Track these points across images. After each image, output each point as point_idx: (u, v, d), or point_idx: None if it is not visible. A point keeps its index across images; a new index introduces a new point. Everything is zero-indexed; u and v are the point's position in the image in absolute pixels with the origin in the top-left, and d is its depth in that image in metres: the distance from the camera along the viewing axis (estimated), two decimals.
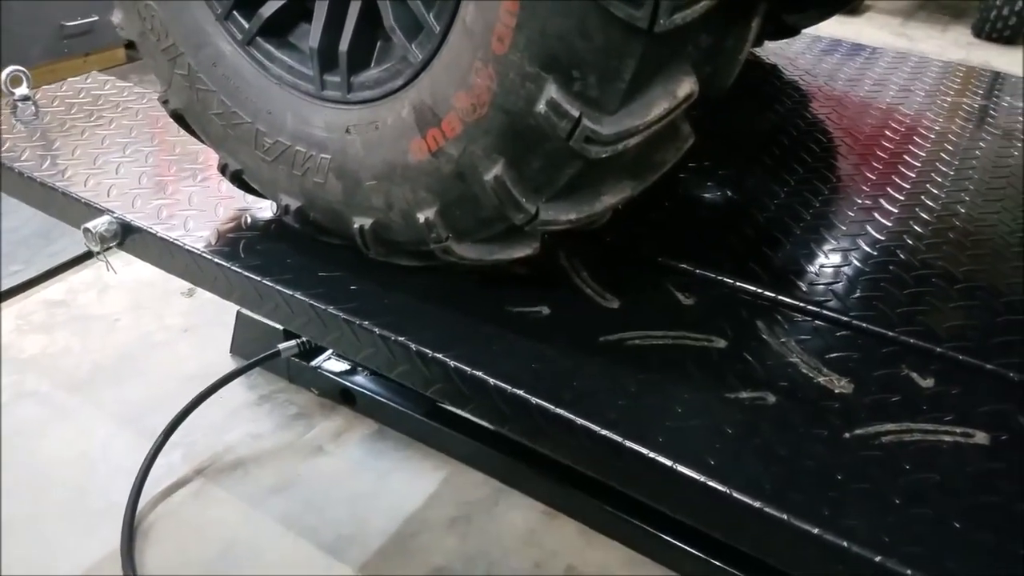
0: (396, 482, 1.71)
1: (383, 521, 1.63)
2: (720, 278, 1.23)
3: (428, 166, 1.03)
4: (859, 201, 1.46)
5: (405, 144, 1.04)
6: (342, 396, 1.89)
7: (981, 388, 1.04)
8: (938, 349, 1.09)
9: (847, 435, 0.94)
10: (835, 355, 1.08)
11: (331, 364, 1.91)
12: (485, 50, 0.92)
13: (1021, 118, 1.83)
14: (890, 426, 0.96)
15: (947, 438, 0.95)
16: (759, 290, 1.20)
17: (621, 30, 0.82)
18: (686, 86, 0.89)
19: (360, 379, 1.88)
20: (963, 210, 1.45)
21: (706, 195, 1.48)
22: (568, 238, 1.10)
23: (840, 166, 1.60)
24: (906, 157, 1.62)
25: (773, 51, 2.12)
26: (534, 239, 1.06)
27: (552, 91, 0.88)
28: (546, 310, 1.15)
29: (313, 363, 1.91)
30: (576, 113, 0.88)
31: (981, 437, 0.96)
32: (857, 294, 1.20)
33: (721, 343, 1.10)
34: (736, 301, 1.19)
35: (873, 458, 0.91)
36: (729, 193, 1.49)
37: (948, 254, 1.32)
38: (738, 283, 1.22)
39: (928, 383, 1.04)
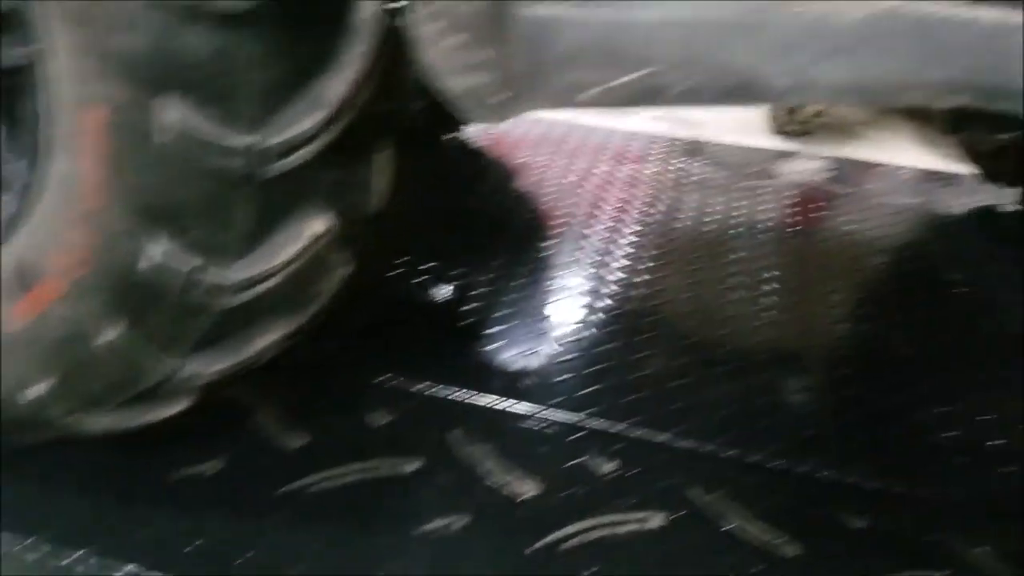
0: None
1: None
2: (416, 388, 1.20)
3: (34, 332, 0.87)
4: (549, 284, 1.53)
5: (6, 308, 0.88)
6: None
7: (656, 463, 1.10)
8: (616, 428, 1.15)
9: (528, 551, 0.93)
10: (525, 453, 1.09)
11: None
12: (80, 204, 0.81)
13: (694, 178, 2.05)
14: (571, 528, 0.97)
15: (625, 528, 0.98)
16: (454, 396, 1.19)
17: (223, 180, 0.77)
18: (319, 223, 0.85)
19: None
20: (642, 278, 1.57)
21: (406, 296, 1.46)
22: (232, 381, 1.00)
23: (534, 245, 1.67)
24: (586, 232, 1.74)
25: (478, 133, 2.20)
26: (188, 392, 0.94)
27: (160, 245, 0.80)
28: (219, 465, 1.02)
29: None
30: (190, 266, 0.80)
31: (658, 519, 1.01)
32: (547, 382, 1.24)
33: (415, 464, 1.06)
34: (432, 410, 1.16)
35: (554, 569, 0.91)
36: (428, 291, 1.48)
37: (628, 326, 1.42)
38: (432, 390, 1.19)
39: (610, 467, 1.09)
